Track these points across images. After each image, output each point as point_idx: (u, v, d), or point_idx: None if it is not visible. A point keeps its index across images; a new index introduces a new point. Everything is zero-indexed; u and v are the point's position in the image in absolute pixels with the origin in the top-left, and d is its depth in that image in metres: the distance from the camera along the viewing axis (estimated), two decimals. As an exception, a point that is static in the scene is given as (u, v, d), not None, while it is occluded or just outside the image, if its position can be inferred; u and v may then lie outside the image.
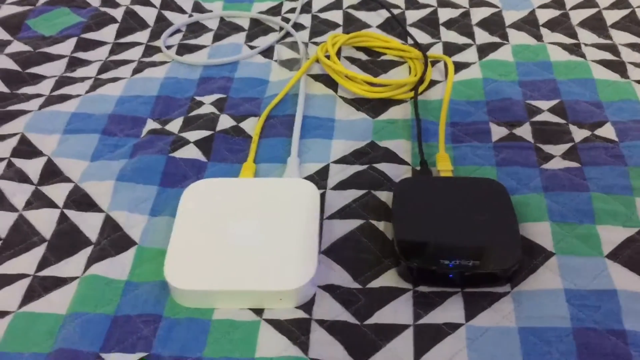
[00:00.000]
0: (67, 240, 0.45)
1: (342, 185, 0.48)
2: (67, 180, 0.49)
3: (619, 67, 0.57)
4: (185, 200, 0.45)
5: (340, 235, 0.44)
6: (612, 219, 0.44)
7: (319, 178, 0.49)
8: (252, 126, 0.53)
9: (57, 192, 0.48)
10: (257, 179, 0.47)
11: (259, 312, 0.40)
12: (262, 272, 0.40)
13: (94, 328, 0.39)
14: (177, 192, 0.47)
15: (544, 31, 0.63)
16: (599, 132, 0.51)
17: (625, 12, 0.64)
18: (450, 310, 0.40)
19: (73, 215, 0.46)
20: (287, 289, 0.39)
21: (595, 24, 0.63)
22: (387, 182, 0.48)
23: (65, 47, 0.63)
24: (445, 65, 0.58)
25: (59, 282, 0.42)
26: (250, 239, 0.42)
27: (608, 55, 0.59)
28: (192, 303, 0.40)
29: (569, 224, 0.44)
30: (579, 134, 0.51)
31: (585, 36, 0.62)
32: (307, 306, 0.40)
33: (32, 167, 0.50)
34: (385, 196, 0.47)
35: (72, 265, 0.43)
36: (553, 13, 0.65)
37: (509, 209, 0.43)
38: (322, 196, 0.47)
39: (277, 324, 0.39)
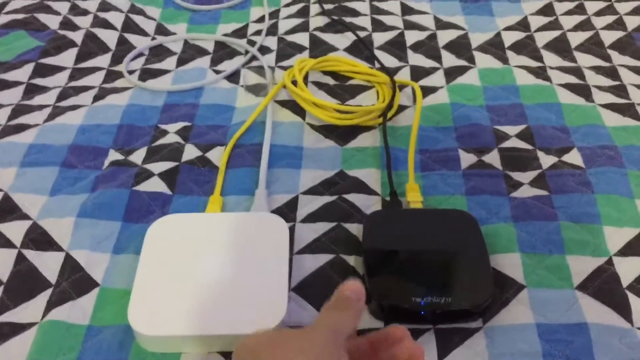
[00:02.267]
0: (25, 282, 0.43)
1: (312, 218, 0.47)
2: (25, 217, 0.47)
3: (583, 90, 0.58)
4: (150, 238, 0.43)
5: (311, 271, 0.43)
6: (581, 248, 0.44)
7: (288, 210, 0.48)
8: (218, 156, 0.52)
9: (14, 231, 0.46)
10: (225, 214, 0.46)
11: (228, 356, 0.39)
12: (231, 314, 0.39)
13: (55, 379, 0.37)
14: (141, 228, 0.46)
15: (510, 54, 0.63)
16: (566, 158, 0.51)
17: (588, 34, 0.65)
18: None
19: (31, 255, 0.44)
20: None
21: (560, 46, 0.64)
22: (356, 213, 0.47)
23: (22, 73, 0.61)
24: (413, 89, 0.58)
25: (17, 328, 0.40)
26: (218, 279, 0.40)
27: (573, 79, 0.59)
28: (158, 348, 0.39)
29: (539, 254, 0.44)
30: (546, 160, 0.51)
31: (551, 59, 0.62)
32: (278, 347, 0.39)
33: (-12, 204, 0.48)
34: (355, 229, 0.46)
35: (30, 310, 0.41)
36: (518, 35, 0.65)
37: (480, 241, 0.43)
38: (292, 229, 0.46)
39: (246, 369, 0.38)
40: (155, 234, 0.43)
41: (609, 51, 0.63)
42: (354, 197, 0.48)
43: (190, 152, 0.52)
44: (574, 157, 0.51)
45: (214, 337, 0.38)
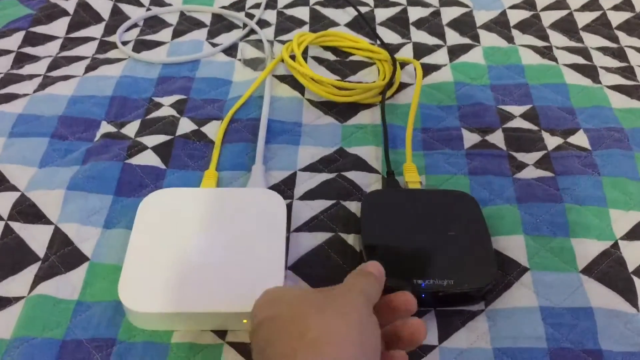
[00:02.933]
0: (12, 255, 0.41)
1: (310, 195, 0.45)
2: (13, 188, 0.45)
3: (590, 71, 0.56)
4: (142, 212, 0.42)
5: (308, 250, 0.42)
6: (587, 231, 0.43)
7: (286, 187, 0.46)
8: (214, 130, 0.50)
9: (1, 202, 0.44)
10: (220, 189, 0.45)
11: (221, 334, 0.37)
12: (225, 292, 0.37)
13: (41, 355, 0.36)
14: (133, 202, 0.44)
15: (515, 33, 0.61)
16: (572, 139, 0.50)
17: (596, 14, 0.64)
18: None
19: (19, 227, 0.43)
20: (251, 310, 0.36)
21: (566, 26, 0.62)
22: (356, 191, 0.46)
23: (12, 42, 0.59)
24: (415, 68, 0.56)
25: (3, 302, 0.39)
26: (212, 255, 0.39)
27: (580, 60, 0.58)
28: (149, 325, 0.38)
29: (543, 237, 0.43)
30: (551, 141, 0.50)
31: (557, 39, 0.60)
32: (273, 327, 0.38)
33: (-26, 174, 0.46)
34: (354, 207, 0.45)
35: (17, 284, 0.40)
36: (524, 14, 0.64)
37: (481, 222, 0.41)
38: (289, 207, 0.44)
39: (241, 348, 0.37)
40: (148, 208, 0.42)
41: (617, 32, 0.61)
42: (353, 175, 0.47)
43: (185, 125, 0.51)
44: (579, 139, 0.50)
45: (206, 314, 0.37)
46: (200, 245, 0.39)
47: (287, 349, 0.28)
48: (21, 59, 0.57)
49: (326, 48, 0.59)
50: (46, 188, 0.45)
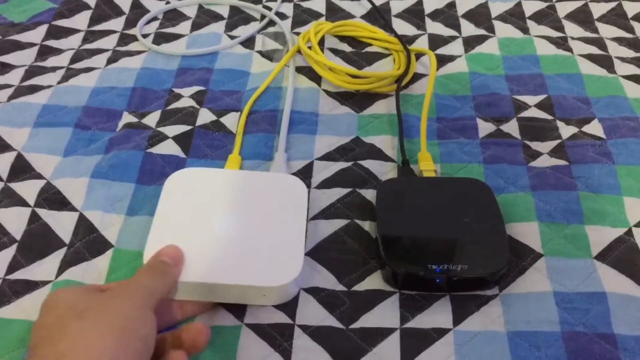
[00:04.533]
0: (38, 241, 0.43)
1: (327, 184, 0.46)
2: (39, 176, 0.47)
3: (605, 61, 0.56)
4: (168, 189, 0.43)
5: (325, 236, 0.43)
6: (601, 219, 0.43)
7: (303, 176, 0.47)
8: (232, 121, 0.51)
9: (28, 190, 0.46)
10: (245, 172, 0.46)
11: (240, 315, 0.38)
12: (247, 266, 0.38)
13: (68, 335, 0.37)
14: (155, 190, 0.45)
15: (531, 24, 0.62)
16: (587, 128, 0.50)
17: (611, 4, 0.64)
18: (438, 314, 0.39)
19: (45, 214, 0.44)
20: (272, 285, 0.38)
21: (582, 17, 0.62)
22: (372, 179, 0.47)
23: (36, 35, 0.60)
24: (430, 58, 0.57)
25: (31, 286, 0.40)
26: (235, 232, 0.40)
27: (595, 50, 0.58)
28: (170, 296, 0.39)
29: (557, 224, 0.43)
30: (566, 130, 0.50)
31: (572, 29, 0.61)
32: (291, 310, 0.39)
33: (1, 163, 0.48)
34: (370, 194, 0.46)
35: (44, 269, 0.41)
36: (539, 5, 0.64)
37: (495, 209, 0.42)
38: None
39: (259, 329, 0.38)
40: (174, 185, 0.43)
41: (632, 22, 0.61)
42: (369, 164, 0.48)
43: (205, 116, 0.52)
44: (594, 128, 0.50)
45: (227, 286, 0.38)
46: (224, 222, 0.40)
47: None
48: (45, 52, 0.59)
49: (342, 39, 0.60)
50: (71, 176, 0.47)
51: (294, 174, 0.47)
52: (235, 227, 0.40)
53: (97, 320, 0.30)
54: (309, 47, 0.57)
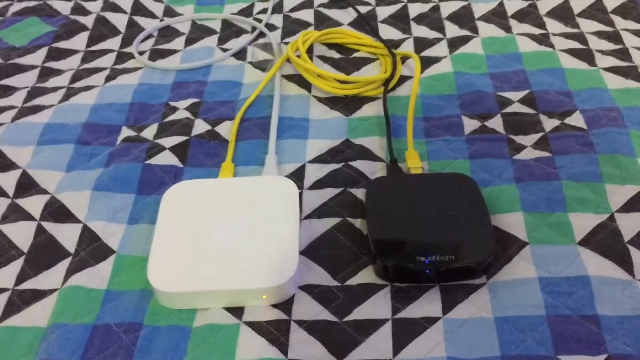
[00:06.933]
0: (45, 252, 0.45)
1: (319, 185, 0.48)
2: (43, 191, 0.49)
3: (586, 55, 0.58)
4: (166, 203, 0.45)
5: (318, 235, 0.45)
6: (583, 206, 0.45)
7: (296, 178, 0.49)
8: (227, 130, 0.53)
9: (33, 204, 0.48)
10: (236, 179, 0.48)
11: (239, 314, 0.40)
12: (245, 270, 0.40)
13: (75, 338, 0.39)
14: (154, 200, 0.47)
15: (513, 22, 0.63)
16: (569, 120, 0.52)
17: (591, 0, 0.65)
18: (428, 304, 0.40)
19: (50, 227, 0.46)
20: (270, 285, 0.39)
21: (563, 14, 0.64)
22: (362, 179, 0.48)
23: (37, 57, 0.63)
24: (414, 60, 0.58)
25: (39, 294, 0.42)
26: (232, 239, 0.42)
27: (576, 44, 0.59)
28: (176, 305, 0.41)
29: (541, 213, 0.45)
30: (549, 123, 0.52)
31: (553, 26, 0.62)
32: (287, 307, 0.41)
33: (7, 180, 0.50)
34: (360, 193, 0.47)
35: (51, 277, 0.43)
36: (521, 4, 0.66)
37: (480, 201, 0.44)
38: (300, 197, 0.47)
39: (256, 326, 0.40)
40: (171, 198, 0.45)
41: (612, 16, 0.63)
42: (359, 164, 0.49)
43: (200, 126, 0.54)
44: (576, 120, 0.52)
45: (229, 292, 0.40)
46: (221, 230, 0.43)
47: None
48: (46, 73, 0.61)
49: (330, 47, 0.62)
50: (74, 190, 0.49)
51: (287, 176, 0.49)
52: (232, 234, 0.42)
53: None
54: (298, 56, 0.59)
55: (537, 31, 0.62)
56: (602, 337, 0.38)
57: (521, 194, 0.46)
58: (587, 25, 0.62)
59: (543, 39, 0.61)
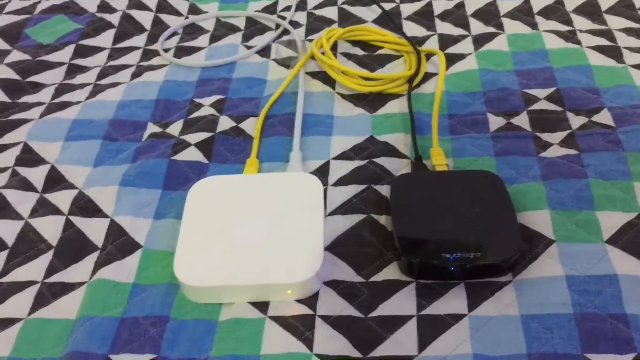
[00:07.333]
0: (73, 246, 0.45)
1: (343, 181, 0.48)
2: (71, 186, 0.50)
3: (614, 52, 0.57)
4: (192, 198, 0.45)
5: (343, 231, 0.45)
6: (611, 204, 0.44)
7: (320, 175, 0.49)
8: (251, 126, 0.54)
9: (62, 199, 0.49)
10: (261, 175, 0.48)
11: (264, 309, 0.40)
12: (271, 265, 0.40)
13: (103, 330, 0.40)
14: (180, 195, 0.48)
15: (539, 19, 0.63)
16: (596, 118, 0.51)
17: (619, -4, 0.65)
18: (453, 301, 0.40)
19: (78, 221, 0.47)
20: (296, 281, 0.40)
21: (590, 10, 0.63)
22: (386, 176, 0.48)
23: (64, 55, 0.64)
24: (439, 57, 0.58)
25: (67, 287, 0.43)
26: (257, 234, 0.42)
27: (603, 41, 0.59)
28: (202, 299, 0.41)
29: (568, 211, 0.44)
30: (576, 120, 0.51)
31: (580, 22, 0.62)
32: (311, 302, 0.41)
33: (36, 175, 0.51)
34: (385, 190, 0.47)
35: (79, 271, 0.44)
36: (547, 1, 0.65)
37: (506, 199, 0.43)
38: (324, 193, 0.47)
39: (282, 321, 0.40)
40: (197, 194, 0.45)
41: (641, 12, 0.62)
42: (383, 161, 0.49)
43: (225, 123, 0.54)
44: (604, 117, 0.51)
45: (254, 286, 0.40)
46: (246, 225, 0.43)
47: None
48: (73, 70, 0.62)
49: (355, 44, 0.62)
50: (101, 185, 0.49)
51: (311, 173, 0.49)
52: (257, 229, 0.43)
53: None
54: (322, 53, 0.59)
55: (563, 28, 0.61)
56: (631, 335, 0.37)
57: (548, 191, 0.46)
58: (615, 22, 0.61)
59: (570, 36, 0.60)
